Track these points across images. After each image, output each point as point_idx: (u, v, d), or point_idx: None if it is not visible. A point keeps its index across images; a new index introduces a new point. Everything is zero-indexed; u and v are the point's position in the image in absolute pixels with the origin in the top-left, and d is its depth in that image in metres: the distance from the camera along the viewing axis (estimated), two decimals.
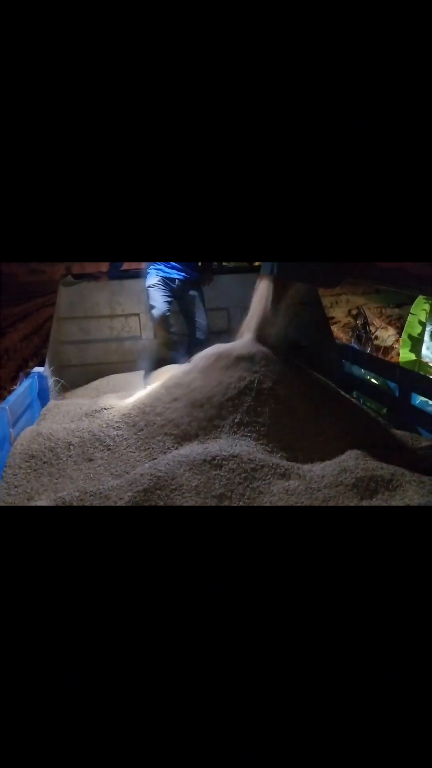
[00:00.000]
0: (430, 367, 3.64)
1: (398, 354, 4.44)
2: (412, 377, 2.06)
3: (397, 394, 2.11)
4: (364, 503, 1.41)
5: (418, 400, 2.07)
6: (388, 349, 4.58)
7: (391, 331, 5.07)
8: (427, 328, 3.60)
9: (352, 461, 1.59)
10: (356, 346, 2.74)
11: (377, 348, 4.26)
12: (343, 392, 2.14)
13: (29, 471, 1.64)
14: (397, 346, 4.49)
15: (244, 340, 2.13)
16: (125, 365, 2.64)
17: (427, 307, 3.59)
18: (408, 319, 3.68)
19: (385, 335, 4.97)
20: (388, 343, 4.67)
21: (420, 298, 3.61)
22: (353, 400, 2.21)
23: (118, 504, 1.40)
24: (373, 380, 2.38)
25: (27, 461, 1.68)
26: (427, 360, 3.59)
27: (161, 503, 1.40)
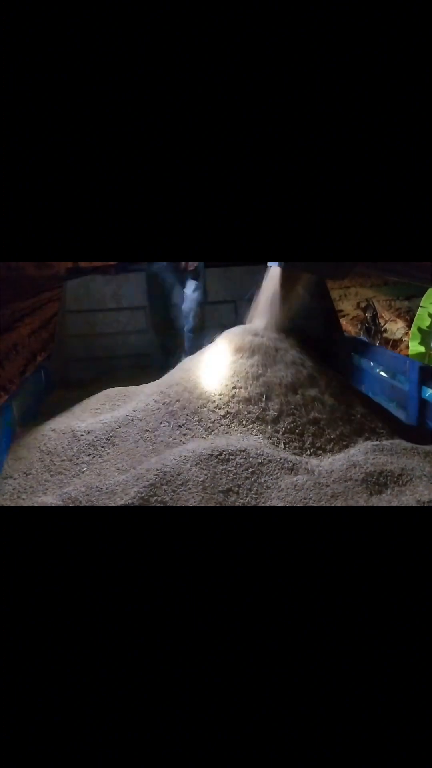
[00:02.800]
0: None
1: (407, 347, 4.40)
2: (422, 370, 2.03)
3: (407, 387, 2.08)
4: (374, 499, 1.39)
5: (428, 393, 2.04)
6: (397, 342, 4.53)
7: (401, 323, 5.02)
8: None
9: (361, 456, 1.57)
10: (365, 339, 2.70)
11: (386, 341, 4.21)
12: (352, 384, 2.11)
13: (38, 465, 1.64)
14: (406, 339, 4.45)
15: (253, 325, 2.11)
16: (132, 359, 2.63)
17: None
18: (418, 312, 3.63)
19: (395, 328, 4.92)
20: (398, 336, 4.62)
21: (430, 291, 3.56)
22: (362, 392, 2.18)
23: (124, 499, 1.39)
24: (382, 373, 2.35)
25: (35, 455, 1.67)
26: None
27: (167, 498, 1.38)
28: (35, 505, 1.42)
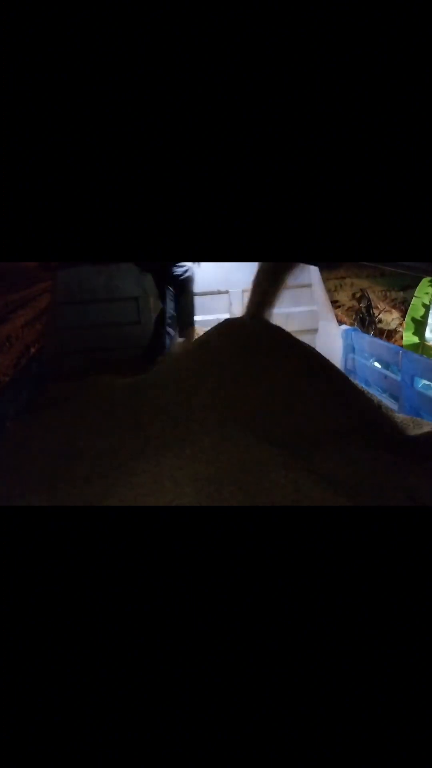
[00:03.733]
0: None
1: (402, 337, 4.40)
2: (415, 361, 2.03)
3: (400, 378, 2.08)
4: (366, 495, 1.38)
5: (421, 383, 2.04)
6: (391, 333, 4.52)
7: (395, 314, 5.01)
8: (431, 311, 3.55)
9: (355, 448, 1.56)
10: (359, 330, 2.70)
11: (381, 332, 4.21)
12: (346, 375, 2.11)
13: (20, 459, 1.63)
14: (400, 329, 4.44)
15: (241, 318, 2.11)
16: (124, 351, 2.62)
17: (431, 290, 3.54)
18: (412, 302, 3.63)
19: (389, 319, 4.92)
20: (392, 326, 4.61)
21: (425, 281, 3.55)
22: (356, 383, 2.19)
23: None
24: (376, 364, 2.35)
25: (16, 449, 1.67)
26: (430, 343, 3.54)
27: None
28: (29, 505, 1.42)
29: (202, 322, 2.57)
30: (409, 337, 3.57)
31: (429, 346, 3.53)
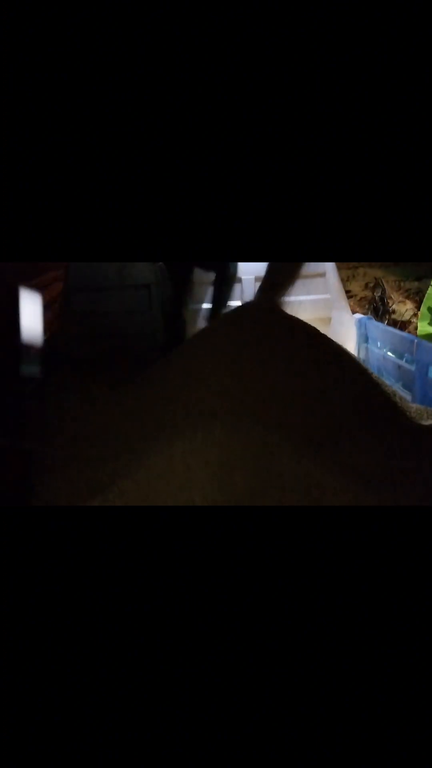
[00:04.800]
0: None
1: (416, 329, 4.33)
2: (430, 350, 2.00)
3: (414, 368, 2.06)
4: (381, 484, 1.37)
5: None
6: (405, 324, 4.46)
7: (409, 305, 4.94)
8: None
9: (368, 436, 1.55)
10: (372, 319, 2.67)
11: (394, 322, 4.16)
12: (360, 363, 2.09)
13: None
14: (414, 320, 4.38)
15: (254, 302, 2.09)
16: (136, 339, 2.62)
17: None
18: (428, 292, 3.57)
19: (403, 309, 4.85)
20: (406, 317, 4.55)
21: None
22: (370, 372, 2.16)
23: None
24: (389, 353, 2.33)
25: None
26: None
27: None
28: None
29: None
30: (424, 327, 3.51)
31: None
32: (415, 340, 2.09)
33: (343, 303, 2.76)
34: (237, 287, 2.79)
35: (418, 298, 4.98)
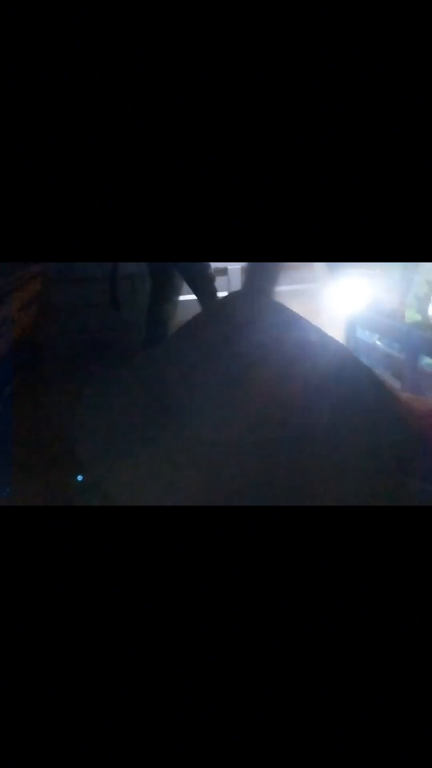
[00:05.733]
0: None
1: (402, 317, 4.31)
2: (420, 339, 1.97)
3: (404, 356, 2.03)
4: (372, 477, 1.34)
5: (426, 361, 1.99)
6: (393, 313, 4.44)
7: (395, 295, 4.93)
8: None
9: (358, 428, 1.51)
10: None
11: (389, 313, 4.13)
12: (350, 352, 2.05)
13: None
14: (401, 309, 4.36)
15: (242, 291, 2.04)
16: (118, 334, 2.56)
17: None
18: (415, 279, 3.55)
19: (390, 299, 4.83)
20: (392, 306, 4.54)
21: None
22: (360, 362, 2.12)
23: None
24: (377, 342, 2.30)
25: None
26: None
27: None
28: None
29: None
30: (411, 315, 3.49)
31: None
32: (405, 329, 2.06)
33: (332, 292, 2.71)
34: (223, 278, 2.74)
35: (402, 287, 4.98)
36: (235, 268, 2.72)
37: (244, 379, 1.65)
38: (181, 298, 2.50)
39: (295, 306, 2.29)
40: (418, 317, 3.50)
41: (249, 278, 2.28)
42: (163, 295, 2.43)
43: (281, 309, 1.97)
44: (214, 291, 2.35)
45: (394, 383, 2.09)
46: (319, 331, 1.99)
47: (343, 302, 2.77)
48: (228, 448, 1.37)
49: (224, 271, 2.73)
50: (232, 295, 2.17)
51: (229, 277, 2.75)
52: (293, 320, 1.93)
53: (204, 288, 2.34)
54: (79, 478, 1.42)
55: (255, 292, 2.15)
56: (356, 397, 1.71)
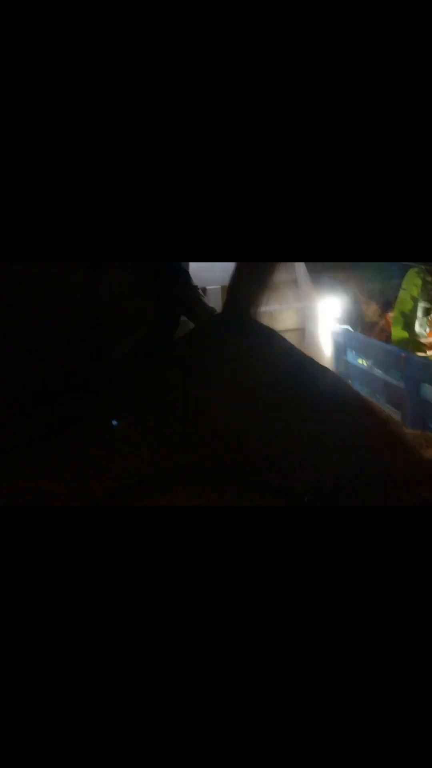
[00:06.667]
0: (423, 344, 3.43)
1: (381, 330, 4.23)
2: (422, 366, 1.80)
3: (404, 385, 1.84)
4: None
5: (427, 390, 1.81)
6: (372, 326, 4.38)
7: (374, 306, 4.90)
8: (420, 304, 3.38)
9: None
10: (351, 330, 2.47)
11: (369, 326, 4.02)
12: (344, 379, 1.87)
13: None
14: (382, 322, 4.30)
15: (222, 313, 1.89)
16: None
17: (418, 281, 3.37)
18: (399, 295, 3.44)
19: (369, 312, 4.79)
20: (374, 319, 4.48)
21: (411, 272, 3.37)
22: (358, 392, 1.94)
23: None
24: (375, 369, 2.11)
25: None
26: (421, 338, 3.37)
27: None
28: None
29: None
30: (398, 332, 3.38)
31: (419, 342, 3.35)
32: (404, 354, 1.88)
33: (318, 312, 2.55)
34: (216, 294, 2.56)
35: (382, 299, 4.95)
36: (214, 287, 2.53)
37: (227, 404, 1.49)
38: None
39: (278, 327, 2.13)
40: (405, 334, 3.38)
41: (229, 299, 2.11)
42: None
43: (261, 330, 1.82)
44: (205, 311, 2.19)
45: (392, 413, 1.91)
46: (301, 354, 1.82)
47: (330, 323, 2.61)
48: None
49: (203, 292, 2.54)
50: (214, 317, 2.01)
51: (208, 297, 2.56)
52: (275, 341, 1.76)
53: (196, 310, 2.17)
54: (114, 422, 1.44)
55: (234, 313, 2.00)
56: (357, 436, 1.52)
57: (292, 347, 1.80)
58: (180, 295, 2.15)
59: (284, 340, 1.81)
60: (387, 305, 4.56)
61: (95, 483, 1.34)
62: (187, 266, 2.23)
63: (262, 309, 2.12)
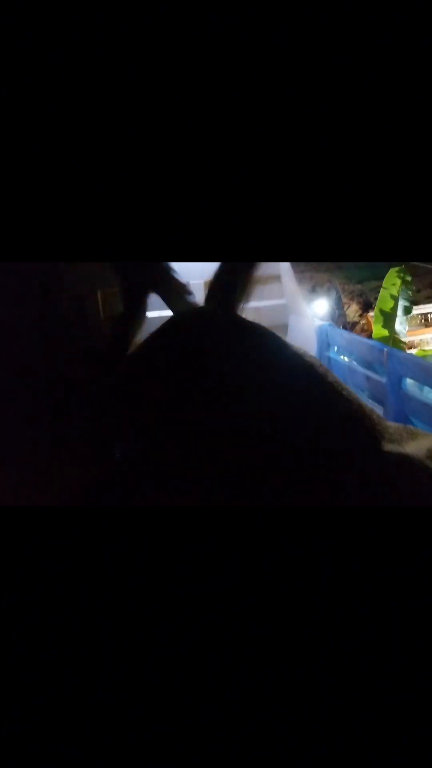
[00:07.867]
0: (403, 342, 3.47)
1: (363, 329, 4.27)
2: (403, 360, 1.81)
3: (385, 380, 1.86)
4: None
5: (408, 384, 1.83)
6: (353, 325, 4.42)
7: (355, 306, 4.95)
8: (400, 303, 3.42)
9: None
10: (334, 326, 2.48)
11: (350, 326, 4.06)
12: (329, 374, 1.87)
13: None
14: (361, 320, 4.34)
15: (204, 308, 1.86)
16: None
17: (398, 281, 3.41)
18: (380, 294, 3.48)
19: (351, 312, 4.85)
20: (354, 318, 4.53)
21: (392, 272, 3.41)
22: (343, 385, 1.95)
23: None
24: (355, 364, 2.13)
25: None
26: (401, 336, 3.41)
27: None
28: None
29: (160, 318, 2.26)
30: (378, 330, 3.42)
31: (399, 340, 3.39)
32: (386, 349, 1.89)
33: (301, 308, 2.55)
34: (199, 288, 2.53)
35: (362, 300, 5.01)
36: (197, 282, 2.51)
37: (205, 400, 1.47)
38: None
39: (261, 323, 2.11)
40: (385, 332, 3.42)
41: (211, 293, 2.09)
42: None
43: (249, 326, 1.80)
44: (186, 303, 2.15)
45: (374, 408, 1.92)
46: (294, 350, 1.81)
47: (312, 319, 2.61)
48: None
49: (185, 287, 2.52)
50: (196, 311, 1.98)
51: (191, 290, 2.54)
52: (256, 334, 1.76)
53: (177, 302, 2.13)
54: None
55: (216, 307, 1.98)
56: (342, 431, 1.53)
57: (284, 343, 1.79)
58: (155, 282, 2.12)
59: (276, 336, 1.80)
60: (368, 305, 4.62)
61: (83, 480, 1.32)
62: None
63: (245, 304, 2.11)
